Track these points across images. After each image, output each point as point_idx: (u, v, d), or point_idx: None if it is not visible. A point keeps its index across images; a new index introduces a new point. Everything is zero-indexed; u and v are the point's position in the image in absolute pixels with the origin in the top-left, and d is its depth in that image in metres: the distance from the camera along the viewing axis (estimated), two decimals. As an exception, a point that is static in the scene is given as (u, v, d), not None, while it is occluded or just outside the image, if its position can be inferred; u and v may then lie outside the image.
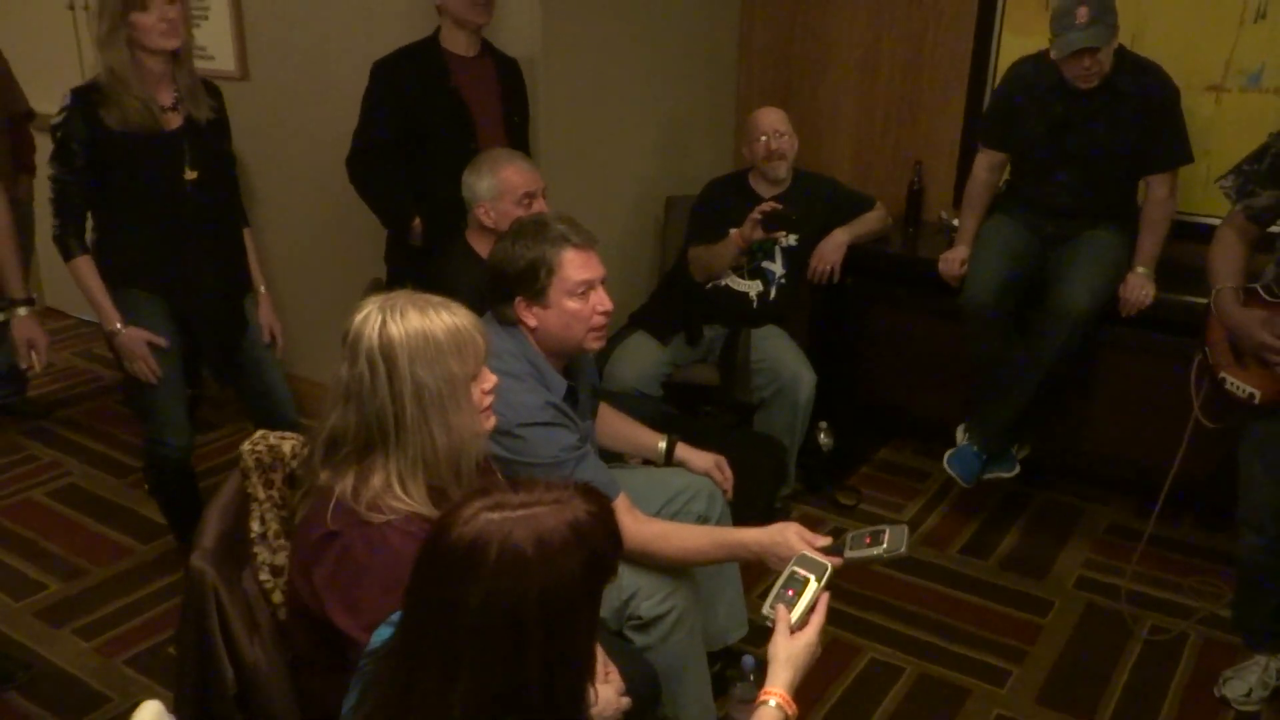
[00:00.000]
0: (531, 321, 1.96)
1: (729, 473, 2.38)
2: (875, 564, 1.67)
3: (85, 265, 2.46)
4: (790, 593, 1.45)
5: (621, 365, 3.20)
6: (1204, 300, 2.47)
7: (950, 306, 3.13)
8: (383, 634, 1.18)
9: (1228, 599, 2.78)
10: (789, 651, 1.37)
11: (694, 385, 3.36)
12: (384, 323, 1.42)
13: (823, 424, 3.45)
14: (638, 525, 1.94)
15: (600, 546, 1.06)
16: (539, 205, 2.56)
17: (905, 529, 1.64)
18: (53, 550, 3.08)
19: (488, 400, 1.51)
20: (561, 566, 1.01)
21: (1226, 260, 2.35)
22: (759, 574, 2.63)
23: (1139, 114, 2.85)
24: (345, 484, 1.41)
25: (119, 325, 2.49)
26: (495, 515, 1.03)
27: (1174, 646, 2.73)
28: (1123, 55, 2.85)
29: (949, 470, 3.16)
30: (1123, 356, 3.26)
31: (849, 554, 1.64)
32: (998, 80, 3.45)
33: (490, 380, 1.52)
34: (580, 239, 1.94)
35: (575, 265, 1.93)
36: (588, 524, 1.05)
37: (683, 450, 2.39)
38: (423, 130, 2.87)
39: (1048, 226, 3.02)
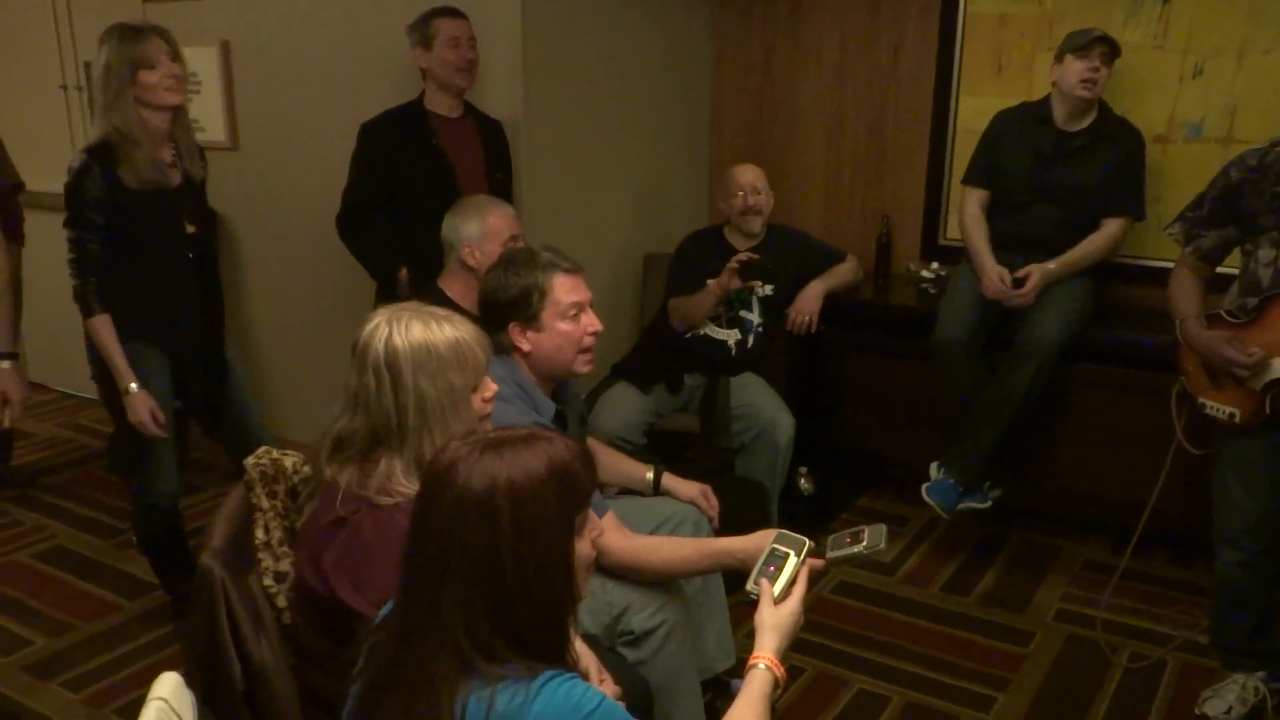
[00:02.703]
0: (525, 346, 2.05)
1: (714, 500, 2.44)
2: (857, 562, 1.72)
3: (104, 323, 2.53)
4: (772, 568, 1.51)
5: (604, 415, 3.27)
6: (1165, 338, 2.60)
7: (922, 351, 3.25)
8: (389, 607, 1.24)
9: (1204, 626, 2.84)
10: (775, 620, 1.44)
11: (676, 433, 3.44)
12: (390, 335, 1.51)
13: (803, 469, 3.52)
14: (626, 540, 2.00)
15: (573, 474, 1.18)
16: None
17: (883, 527, 1.69)
18: (40, 608, 3.07)
19: (488, 408, 1.60)
20: (534, 489, 1.14)
21: (1185, 295, 2.51)
22: (748, 612, 2.67)
23: (1114, 156, 3.11)
24: (351, 476, 1.48)
25: (133, 385, 2.55)
26: (469, 446, 1.17)
27: (1153, 672, 2.77)
28: (1105, 107, 3.14)
29: (928, 499, 3.22)
30: (1090, 393, 3.37)
31: (831, 554, 1.69)
32: (957, 138, 3.67)
33: (491, 389, 1.61)
34: (569, 264, 2.07)
35: (566, 289, 2.05)
36: (563, 456, 1.18)
37: (669, 480, 2.45)
38: (409, 188, 2.98)
39: (1019, 262, 3.15)
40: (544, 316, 2.04)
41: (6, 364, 2.51)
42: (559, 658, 1.17)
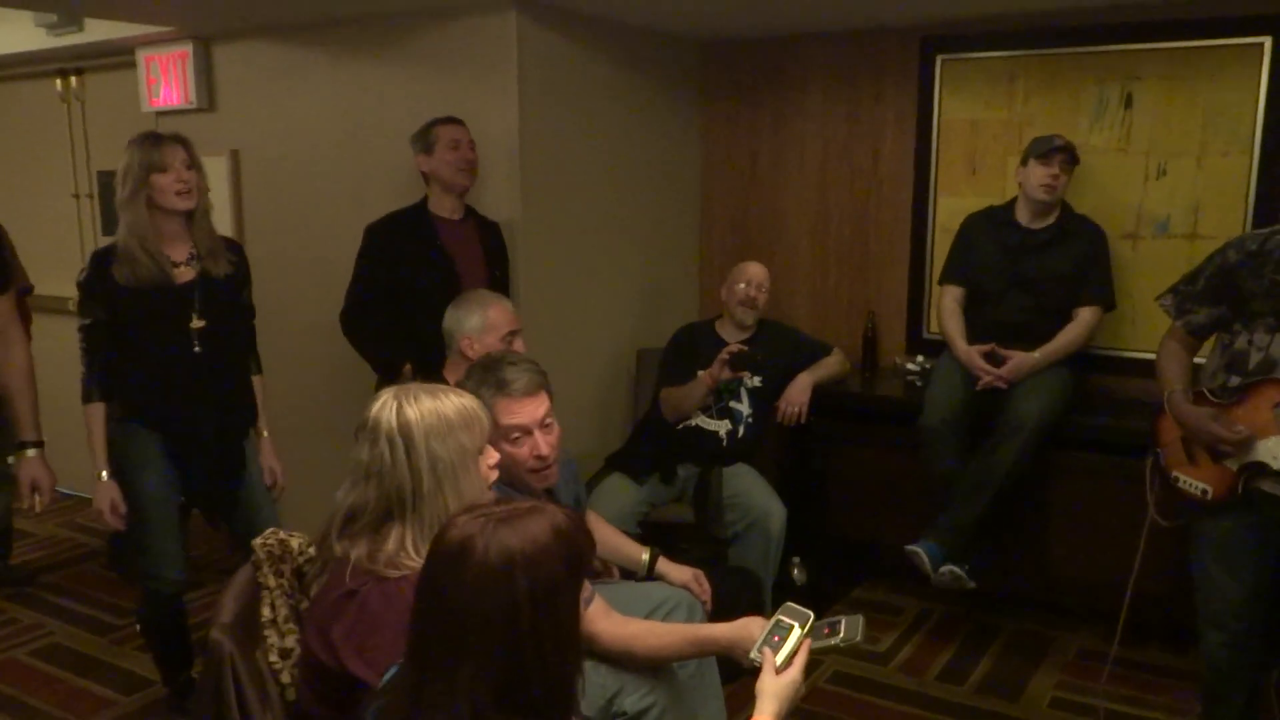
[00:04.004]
0: None
1: (707, 585, 2.49)
2: (834, 652, 1.77)
3: (97, 412, 2.64)
4: (776, 638, 1.58)
5: (600, 506, 3.31)
6: (1143, 426, 2.68)
7: (910, 441, 3.33)
8: (393, 671, 1.29)
9: (1198, 713, 2.85)
10: (775, 687, 1.50)
11: (670, 523, 3.49)
12: (400, 407, 1.60)
13: (796, 559, 3.57)
14: (615, 627, 2.04)
15: (577, 543, 1.23)
16: (518, 344, 2.76)
17: (860, 619, 1.72)
18: (36, 705, 3.07)
19: (493, 475, 1.68)
20: (546, 560, 1.18)
21: (1173, 367, 2.57)
22: (744, 700, 2.69)
23: (1079, 250, 3.30)
24: (360, 550, 1.56)
25: (104, 474, 2.65)
26: (480, 519, 1.21)
27: (1149, 758, 2.78)
28: (1068, 206, 3.35)
29: (915, 549, 3.23)
30: (1077, 482, 3.44)
31: (810, 645, 1.73)
32: (936, 237, 3.83)
33: (494, 456, 1.69)
34: (520, 387, 2.06)
35: (505, 412, 2.05)
36: (566, 525, 1.22)
37: (663, 564, 2.51)
38: (411, 285, 3.10)
39: (997, 352, 3.28)
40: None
41: (32, 452, 2.58)
42: None
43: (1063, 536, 3.53)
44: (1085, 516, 3.46)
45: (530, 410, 2.07)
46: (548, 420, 2.12)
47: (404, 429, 1.58)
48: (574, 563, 1.22)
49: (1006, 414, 3.17)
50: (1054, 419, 3.16)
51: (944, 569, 3.24)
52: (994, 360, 3.27)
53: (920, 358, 3.80)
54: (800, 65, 4.05)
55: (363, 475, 1.60)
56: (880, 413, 3.67)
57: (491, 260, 3.24)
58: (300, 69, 3.79)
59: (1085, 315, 3.29)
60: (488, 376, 2.07)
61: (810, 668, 2.84)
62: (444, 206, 3.19)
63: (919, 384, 3.63)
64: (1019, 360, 3.21)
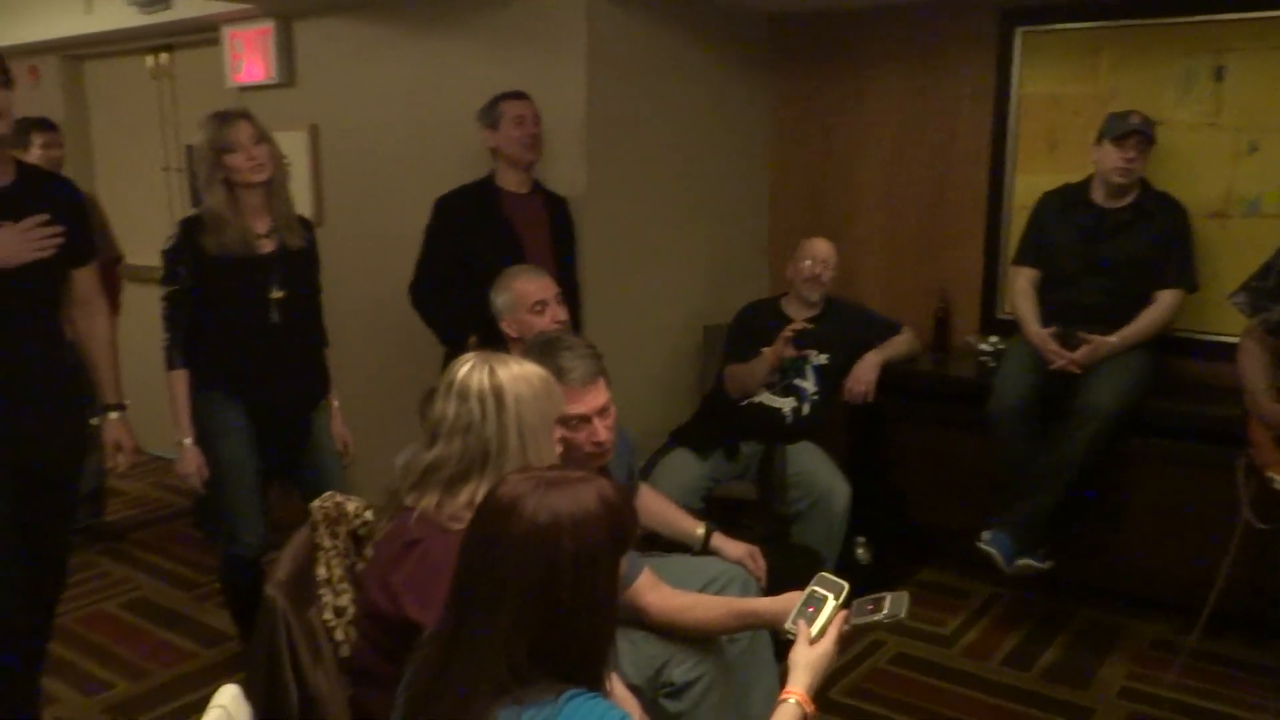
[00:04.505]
0: None
1: (762, 562, 2.49)
2: (879, 628, 1.76)
3: (180, 379, 2.74)
4: (811, 610, 1.58)
5: (663, 480, 3.34)
6: (1228, 411, 2.59)
7: (980, 422, 3.27)
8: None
9: (1276, 709, 2.76)
10: (808, 659, 1.51)
11: (733, 499, 3.49)
12: (492, 370, 1.67)
13: (860, 539, 3.54)
14: (662, 599, 2.06)
15: (623, 516, 1.25)
16: (552, 311, 2.74)
17: (905, 595, 1.69)
18: (122, 654, 3.24)
19: (559, 448, 1.75)
20: (591, 527, 1.20)
21: (1253, 366, 2.50)
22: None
23: (1159, 230, 3.19)
24: (430, 501, 1.63)
25: (187, 440, 2.75)
26: (532, 480, 1.23)
27: (1220, 753, 2.70)
28: (1146, 184, 3.23)
29: (987, 548, 3.18)
30: (1154, 468, 3.34)
31: (853, 620, 1.70)
32: (1012, 215, 3.73)
33: (558, 432, 1.75)
34: (579, 377, 2.02)
35: (565, 400, 1.97)
36: (614, 497, 1.24)
37: (718, 539, 2.52)
38: (478, 258, 3.13)
39: (1075, 335, 3.19)
40: None
41: (115, 414, 2.67)
42: (596, 687, 1.24)
43: (1139, 524, 3.43)
44: (1163, 505, 3.36)
45: (590, 400, 2.05)
46: (606, 408, 2.10)
47: (496, 389, 1.65)
48: (618, 534, 1.24)
49: (1081, 400, 3.08)
50: (1130, 405, 3.07)
51: (1018, 563, 3.18)
52: (1068, 343, 3.18)
53: (994, 338, 3.71)
54: (874, 39, 3.97)
55: (446, 431, 1.65)
56: (951, 393, 3.60)
57: (558, 234, 3.27)
58: (376, 45, 3.87)
59: (1166, 298, 3.18)
60: (545, 362, 2.00)
61: (872, 648, 2.86)
62: (510, 180, 3.23)
63: (992, 365, 3.54)
64: (1095, 345, 3.11)
